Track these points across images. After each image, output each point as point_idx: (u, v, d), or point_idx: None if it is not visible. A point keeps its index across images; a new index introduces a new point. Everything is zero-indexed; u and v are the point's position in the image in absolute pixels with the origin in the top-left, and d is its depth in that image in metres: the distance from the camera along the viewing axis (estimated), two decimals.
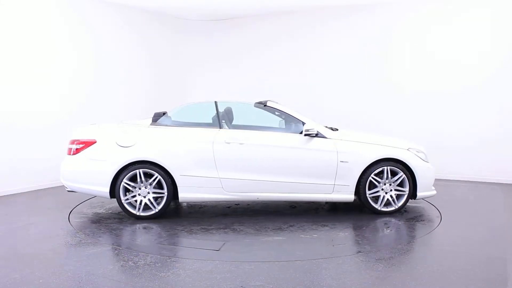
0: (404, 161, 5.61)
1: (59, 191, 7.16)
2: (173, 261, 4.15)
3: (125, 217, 5.64)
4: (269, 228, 5.21)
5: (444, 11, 7.98)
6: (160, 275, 3.80)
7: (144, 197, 5.47)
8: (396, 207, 5.67)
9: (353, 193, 5.62)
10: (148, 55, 9.26)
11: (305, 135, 5.55)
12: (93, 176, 5.48)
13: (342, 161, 5.56)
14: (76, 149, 5.58)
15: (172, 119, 5.86)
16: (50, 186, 7.42)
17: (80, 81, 7.92)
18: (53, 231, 5.07)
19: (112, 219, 5.61)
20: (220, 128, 5.66)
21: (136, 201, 5.47)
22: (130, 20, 8.83)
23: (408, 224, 5.32)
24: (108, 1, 8.25)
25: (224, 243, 4.67)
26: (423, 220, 5.47)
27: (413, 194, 5.71)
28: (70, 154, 5.62)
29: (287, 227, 5.23)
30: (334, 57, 8.94)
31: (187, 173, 5.45)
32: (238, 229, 5.18)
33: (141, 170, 5.42)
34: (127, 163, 5.40)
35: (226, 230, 5.13)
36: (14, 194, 6.90)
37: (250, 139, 5.58)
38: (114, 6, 8.43)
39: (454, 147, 7.95)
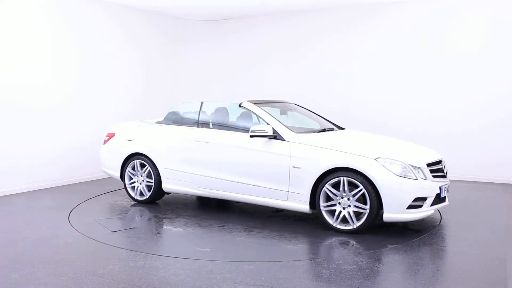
0: (364, 172, 4.73)
1: (59, 191, 7.17)
2: (173, 261, 4.15)
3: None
4: (198, 225, 5.35)
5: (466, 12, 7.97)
6: (160, 275, 3.80)
7: (140, 184, 6.32)
8: (354, 226, 4.83)
9: (308, 203, 5.05)
10: (144, 55, 9.26)
11: (251, 136, 5.29)
12: (111, 162, 6.61)
13: (295, 167, 5.09)
14: (105, 140, 6.72)
15: (168, 117, 6.46)
16: (50, 186, 7.42)
17: (84, 83, 7.93)
18: (53, 231, 5.07)
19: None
20: (198, 127, 5.99)
21: (133, 187, 6.41)
22: (124, 19, 8.83)
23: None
24: (102, 0, 8.26)
25: (132, 228, 5.20)
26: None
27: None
28: (103, 144, 6.74)
29: (215, 227, 5.26)
30: (337, 58, 8.95)
31: (168, 167, 6.06)
32: (175, 220, 5.58)
33: (137, 161, 6.29)
34: (128, 154, 6.36)
35: (164, 221, 5.59)
36: (14, 194, 6.89)
37: (214, 138, 5.75)
38: (109, 6, 8.43)
39: (454, 147, 7.94)
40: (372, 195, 4.70)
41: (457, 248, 4.54)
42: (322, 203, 4.98)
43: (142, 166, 6.27)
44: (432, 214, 5.34)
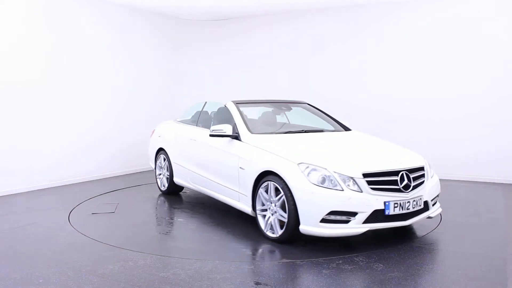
0: (283, 177, 4.36)
1: (59, 191, 7.17)
2: (173, 261, 4.15)
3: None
4: (163, 218, 5.62)
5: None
6: (160, 275, 3.81)
7: (163, 176, 6.93)
8: (277, 235, 4.49)
9: (251, 205, 4.84)
10: (144, 55, 9.26)
11: (210, 135, 5.34)
12: (150, 155, 7.33)
13: (241, 168, 4.98)
14: (151, 136, 7.43)
15: (186, 116, 6.95)
16: (50, 186, 7.42)
17: (84, 85, 7.92)
18: (53, 231, 5.07)
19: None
20: (196, 125, 6.36)
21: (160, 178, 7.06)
22: (124, 20, 8.83)
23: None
24: (102, 1, 8.26)
25: (112, 212, 5.87)
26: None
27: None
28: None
29: (171, 220, 5.62)
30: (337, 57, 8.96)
31: (176, 162, 6.53)
32: (161, 206, 6.38)
33: (162, 156, 6.93)
34: (157, 149, 7.06)
35: (160, 211, 6.21)
36: (14, 194, 6.89)
37: (199, 136, 6.03)
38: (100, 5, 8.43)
39: (454, 147, 7.94)
40: (290, 203, 4.30)
41: (457, 248, 4.54)
42: (258, 207, 4.76)
43: (164, 160, 6.86)
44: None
